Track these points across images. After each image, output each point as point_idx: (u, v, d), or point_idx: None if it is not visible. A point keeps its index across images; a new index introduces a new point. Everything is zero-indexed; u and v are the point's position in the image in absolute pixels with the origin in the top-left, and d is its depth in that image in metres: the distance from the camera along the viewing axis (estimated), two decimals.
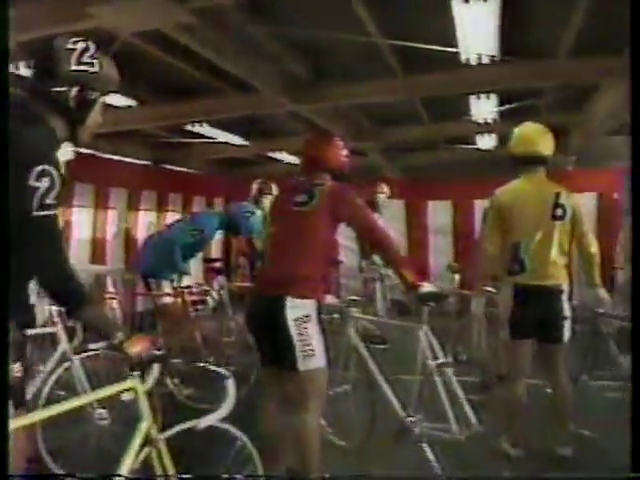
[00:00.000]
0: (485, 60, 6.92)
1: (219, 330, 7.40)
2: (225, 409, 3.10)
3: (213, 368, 3.44)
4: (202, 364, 3.39)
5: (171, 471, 3.04)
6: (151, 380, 3.01)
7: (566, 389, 4.94)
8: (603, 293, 4.98)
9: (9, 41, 2.80)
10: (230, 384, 3.15)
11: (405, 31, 7.03)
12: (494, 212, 4.92)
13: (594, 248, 4.93)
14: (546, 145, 4.97)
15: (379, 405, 4.83)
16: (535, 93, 9.71)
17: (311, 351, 3.95)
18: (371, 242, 4.38)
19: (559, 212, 4.84)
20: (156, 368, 3.08)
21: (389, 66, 8.00)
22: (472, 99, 9.28)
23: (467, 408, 4.57)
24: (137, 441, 2.95)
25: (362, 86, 8.73)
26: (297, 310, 3.94)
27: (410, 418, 4.64)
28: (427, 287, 4.31)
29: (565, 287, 4.87)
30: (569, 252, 4.91)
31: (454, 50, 6.94)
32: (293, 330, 3.91)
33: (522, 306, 4.81)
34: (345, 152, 4.47)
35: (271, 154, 14.39)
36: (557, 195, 4.86)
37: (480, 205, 8.90)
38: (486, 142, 12.64)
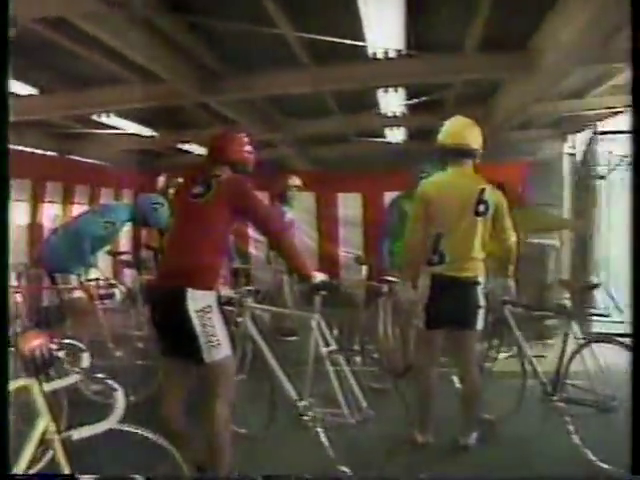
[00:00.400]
0: (392, 54, 7.01)
1: (130, 324, 7.32)
2: (111, 421, 3.07)
3: (103, 379, 3.36)
4: (97, 375, 3.32)
5: (66, 471, 2.96)
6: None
7: (475, 377, 5.13)
8: (510, 282, 5.26)
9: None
10: (119, 396, 3.13)
11: (313, 24, 7.05)
12: (420, 202, 5.03)
13: (513, 243, 5.12)
14: (475, 139, 5.14)
15: (279, 393, 4.91)
16: (442, 87, 9.90)
17: (216, 341, 3.99)
18: (265, 234, 4.41)
19: (482, 208, 5.00)
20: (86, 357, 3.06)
21: (298, 58, 8.01)
22: (380, 93, 9.38)
23: (358, 394, 4.66)
24: (34, 440, 2.88)
25: (271, 78, 8.72)
26: (198, 301, 3.95)
27: (303, 403, 4.72)
28: (319, 277, 4.42)
29: (481, 279, 5.06)
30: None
31: (362, 44, 7.00)
32: (196, 322, 3.93)
33: (439, 296, 4.97)
34: (249, 148, 4.51)
35: (180, 146, 14.22)
36: (482, 191, 5.02)
37: (390, 197, 9.06)
38: (395, 135, 12.81)
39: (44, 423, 2.92)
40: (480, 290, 5.06)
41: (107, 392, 4.92)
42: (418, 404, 5.09)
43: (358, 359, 5.51)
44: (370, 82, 8.76)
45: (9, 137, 2.51)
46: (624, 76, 10.23)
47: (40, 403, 2.92)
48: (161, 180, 8.09)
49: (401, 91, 9.28)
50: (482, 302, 5.08)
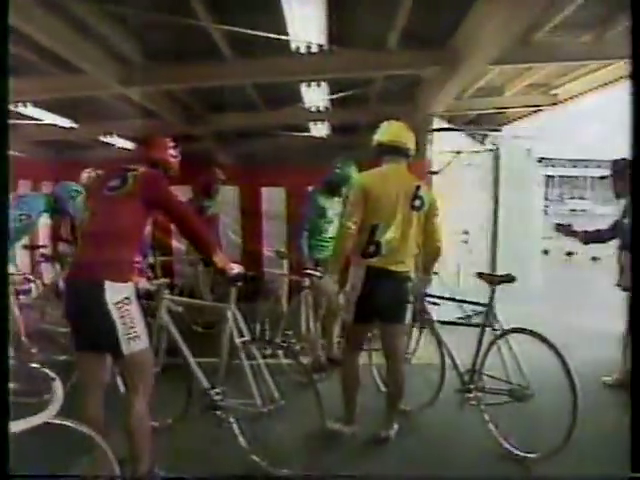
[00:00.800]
0: (314, 49, 7.04)
1: (50, 320, 7.16)
2: (52, 410, 3.05)
3: (40, 369, 3.35)
4: (33, 365, 3.31)
5: None
6: None
7: (402, 370, 5.19)
8: (431, 276, 5.36)
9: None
10: (57, 385, 3.11)
11: (235, 17, 7.02)
12: (358, 193, 5.01)
13: (441, 243, 5.20)
14: (410, 139, 5.19)
15: (194, 384, 4.91)
16: (365, 83, 9.99)
17: (134, 333, 3.97)
18: (181, 229, 4.36)
19: (417, 203, 5.05)
20: None
21: (220, 51, 7.96)
22: (304, 87, 9.41)
23: (271, 384, 4.67)
24: None
25: (192, 70, 8.65)
26: (117, 294, 3.93)
27: (215, 392, 4.74)
28: (236, 269, 4.42)
29: (412, 274, 5.14)
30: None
31: (284, 38, 7.01)
32: (115, 314, 3.91)
33: (372, 288, 4.96)
34: (174, 152, 4.51)
35: (103, 138, 13.98)
36: (417, 187, 5.07)
37: None
38: (319, 130, 12.86)
39: None
40: (411, 285, 5.15)
41: (24, 391, 4.86)
42: (343, 396, 5.14)
43: (280, 352, 5.53)
44: (293, 76, 8.78)
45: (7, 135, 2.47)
46: (541, 75, 10.52)
47: None
48: (84, 177, 7.92)
49: (324, 86, 9.31)
50: (411, 297, 5.21)
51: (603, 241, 7.00)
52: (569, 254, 22.95)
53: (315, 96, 9.83)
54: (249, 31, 7.02)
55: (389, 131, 5.28)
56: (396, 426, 5.18)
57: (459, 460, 4.88)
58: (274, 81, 9.16)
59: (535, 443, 4.86)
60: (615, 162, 7.02)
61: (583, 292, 7.09)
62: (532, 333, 5.12)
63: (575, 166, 46.56)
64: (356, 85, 9.93)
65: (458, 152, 10.63)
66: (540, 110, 13.39)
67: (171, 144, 4.52)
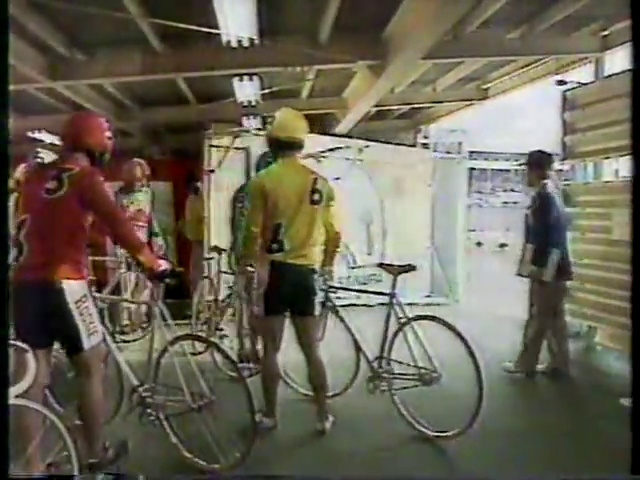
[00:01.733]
0: (246, 43, 6.98)
1: None
2: (26, 382, 3.22)
3: (13, 343, 3.53)
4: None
5: None
6: None
7: (319, 360, 5.28)
8: (333, 268, 5.48)
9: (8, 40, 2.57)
10: (29, 357, 3.32)
11: (165, 10, 6.92)
12: (257, 194, 5.08)
13: (339, 234, 5.33)
14: (303, 131, 5.25)
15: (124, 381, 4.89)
16: (297, 76, 9.96)
17: (94, 328, 4.14)
18: (111, 231, 4.41)
19: (316, 197, 5.14)
20: None
21: (149, 45, 7.84)
22: (236, 81, 9.33)
23: (201, 380, 4.65)
24: None
25: (121, 63, 8.48)
26: (75, 293, 4.06)
27: (143, 389, 4.69)
28: (163, 266, 4.41)
29: (317, 266, 5.21)
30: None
31: (215, 32, 6.93)
32: (76, 312, 4.03)
33: (279, 283, 5.05)
34: (108, 133, 4.42)
35: (30, 134, 13.63)
36: (314, 181, 5.15)
37: None
38: (252, 123, 12.77)
39: None
40: (316, 277, 5.25)
41: None
42: (263, 389, 5.16)
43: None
44: (224, 70, 8.71)
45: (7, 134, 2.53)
46: (472, 70, 10.66)
47: None
48: (19, 170, 7.78)
49: (256, 80, 9.25)
50: (318, 289, 5.27)
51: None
52: (502, 246, 23.47)
53: (247, 90, 9.76)
54: (179, 24, 6.92)
55: (284, 125, 5.30)
56: (331, 418, 5.23)
57: (373, 443, 5.07)
58: (205, 75, 9.06)
59: (446, 423, 5.08)
60: (531, 154, 7.24)
61: (509, 281, 7.30)
62: (436, 319, 5.40)
63: (508, 159, 47.38)
64: (288, 79, 9.90)
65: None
66: (472, 104, 13.59)
67: (105, 124, 4.46)
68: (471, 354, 5.11)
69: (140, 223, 8.53)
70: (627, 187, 5.73)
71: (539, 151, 7.21)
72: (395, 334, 5.49)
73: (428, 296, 12.16)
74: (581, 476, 4.36)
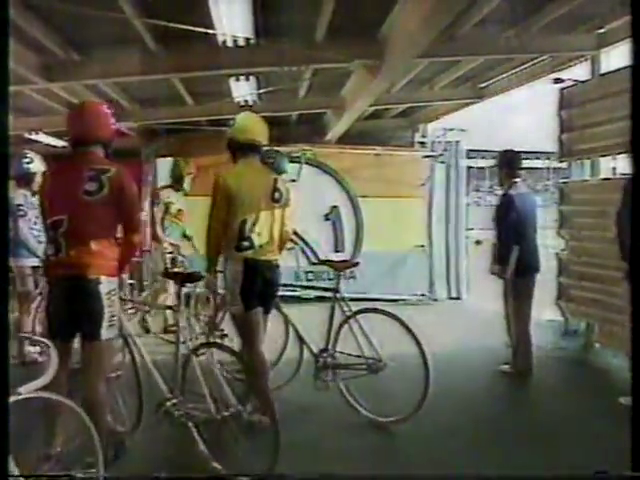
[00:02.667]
0: (241, 42, 6.97)
1: None
2: (48, 376, 3.35)
3: (36, 338, 4.10)
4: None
5: None
6: None
7: (263, 354, 5.42)
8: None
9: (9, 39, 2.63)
10: (52, 352, 3.49)
11: (161, 10, 6.90)
12: (221, 193, 5.27)
13: (289, 233, 5.65)
14: (264, 134, 5.57)
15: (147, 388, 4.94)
16: (293, 76, 9.95)
17: (114, 321, 4.37)
18: (125, 233, 4.55)
19: (277, 195, 5.45)
20: None
21: (145, 45, 7.82)
22: (232, 81, 9.31)
23: (225, 388, 4.67)
24: None
25: (117, 64, 8.46)
26: (108, 286, 4.33)
27: (171, 398, 4.72)
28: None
29: (280, 261, 5.58)
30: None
31: (211, 31, 6.91)
32: (106, 303, 4.28)
33: (252, 279, 5.27)
34: (114, 121, 4.59)
35: (27, 135, 13.59)
36: (275, 180, 5.51)
37: None
38: None
39: None
40: (280, 272, 5.55)
41: None
42: (256, 386, 5.15)
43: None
44: (220, 70, 8.69)
45: (7, 134, 2.61)
46: (468, 69, 10.64)
47: None
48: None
49: (252, 79, 9.24)
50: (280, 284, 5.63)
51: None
52: None
53: (244, 90, 9.75)
54: (175, 25, 6.90)
55: (245, 128, 5.55)
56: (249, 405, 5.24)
57: (322, 431, 5.40)
58: (201, 75, 9.04)
59: (392, 409, 5.57)
60: (504, 153, 7.41)
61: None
62: (382, 312, 5.83)
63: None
64: (284, 78, 9.89)
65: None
66: (469, 104, 13.58)
67: (109, 111, 4.63)
68: (417, 343, 5.50)
69: (180, 223, 8.81)
70: (624, 184, 5.76)
71: (509, 151, 7.48)
72: (340, 327, 5.87)
73: (423, 295, 12.27)
74: (581, 476, 4.35)
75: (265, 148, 5.72)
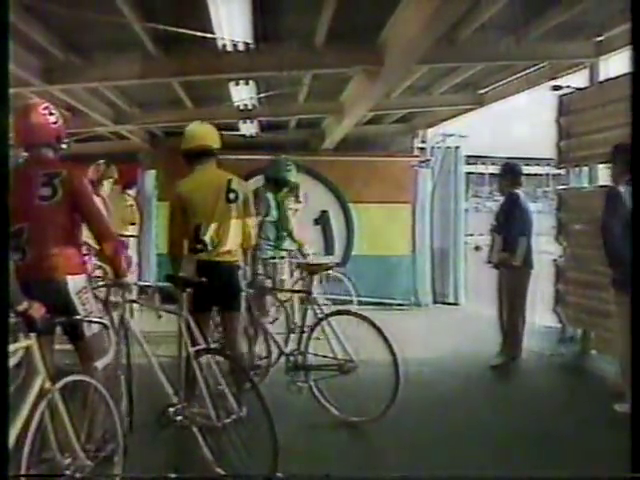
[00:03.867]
0: (241, 47, 6.98)
1: None
2: (108, 357, 3.98)
3: (92, 319, 4.26)
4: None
5: (66, 421, 3.58)
6: None
7: (241, 352, 5.66)
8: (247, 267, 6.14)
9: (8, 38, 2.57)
10: (111, 334, 4.06)
11: (161, 15, 6.92)
12: (176, 201, 5.57)
13: (251, 235, 5.79)
14: (214, 140, 5.78)
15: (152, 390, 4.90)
16: (293, 80, 9.96)
17: (92, 317, 4.41)
18: (93, 234, 4.62)
19: (232, 196, 5.61)
20: None
21: (145, 49, 7.83)
22: (232, 85, 9.32)
23: (228, 395, 4.66)
24: (32, 394, 3.42)
25: (117, 68, 8.47)
26: (77, 286, 4.39)
27: (174, 402, 4.72)
28: (127, 279, 4.77)
29: (241, 263, 5.74)
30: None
31: (211, 36, 6.93)
32: (78, 303, 4.36)
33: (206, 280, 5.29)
34: (52, 118, 4.54)
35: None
36: (229, 181, 5.65)
37: None
38: (248, 128, 12.76)
39: (42, 377, 3.50)
40: (241, 274, 5.70)
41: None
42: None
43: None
44: (220, 74, 8.71)
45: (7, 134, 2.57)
46: (468, 75, 10.66)
47: (38, 360, 3.53)
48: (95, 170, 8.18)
49: (252, 84, 9.25)
50: (243, 285, 5.74)
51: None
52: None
53: (243, 94, 9.76)
54: (175, 29, 6.92)
55: (193, 136, 5.81)
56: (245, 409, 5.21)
57: (293, 430, 5.30)
58: (201, 79, 9.06)
59: (364, 409, 5.69)
60: (503, 166, 8.09)
61: None
62: (354, 314, 6.16)
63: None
64: (284, 83, 9.91)
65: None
66: (469, 110, 13.58)
67: (44, 110, 4.57)
68: (389, 345, 5.66)
69: None
70: (607, 193, 5.86)
71: (510, 164, 8.19)
72: (312, 328, 6.05)
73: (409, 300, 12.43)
74: (581, 476, 4.38)
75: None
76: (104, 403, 4.03)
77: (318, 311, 6.13)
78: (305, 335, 6.10)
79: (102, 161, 8.80)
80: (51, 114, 4.55)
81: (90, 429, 4.07)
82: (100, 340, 4.56)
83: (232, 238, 5.54)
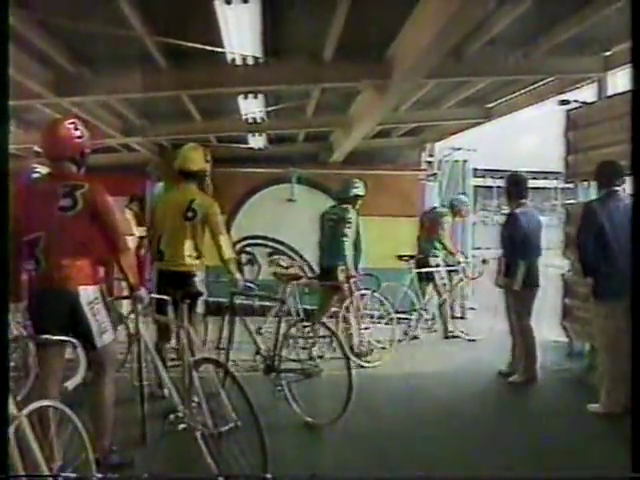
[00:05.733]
0: (250, 61, 7.01)
1: None
2: (82, 371, 3.64)
3: (63, 338, 4.04)
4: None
5: (35, 448, 3.38)
6: None
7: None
8: (238, 276, 6.48)
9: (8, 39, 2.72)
10: (80, 353, 3.73)
11: (170, 28, 6.95)
12: (150, 214, 6.51)
13: (224, 244, 6.30)
14: (196, 163, 6.55)
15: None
16: (302, 94, 10.00)
17: (105, 327, 4.56)
18: (110, 246, 4.70)
19: (190, 214, 6.29)
20: None
21: (155, 62, 7.87)
22: (240, 99, 9.36)
23: (226, 403, 4.69)
24: None
25: (126, 80, 8.50)
26: (89, 297, 4.49)
27: (177, 411, 4.82)
28: (140, 291, 4.91)
29: (197, 271, 6.35)
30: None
31: (220, 50, 6.96)
32: (89, 314, 4.46)
33: (160, 286, 6.05)
34: (77, 133, 4.68)
35: (37, 148, 13.64)
36: (191, 201, 6.32)
37: None
38: (257, 141, 12.80)
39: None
40: (198, 280, 6.29)
41: None
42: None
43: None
44: (229, 88, 8.74)
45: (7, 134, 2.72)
46: (476, 89, 10.67)
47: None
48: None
49: (261, 97, 9.29)
50: (202, 291, 6.24)
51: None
52: None
53: (252, 107, 9.79)
54: (184, 42, 6.96)
55: (181, 158, 6.62)
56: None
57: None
58: (210, 92, 9.10)
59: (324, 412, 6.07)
60: (511, 176, 7.94)
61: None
62: (322, 324, 7.06)
63: None
64: (293, 97, 9.95)
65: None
66: (477, 123, 13.60)
67: (70, 126, 4.66)
68: (343, 353, 6.29)
69: None
70: (582, 210, 6.00)
71: (515, 175, 8.00)
72: (285, 335, 6.53)
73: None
74: (581, 476, 4.44)
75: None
76: (72, 426, 3.84)
77: (290, 319, 7.02)
78: (280, 339, 6.51)
79: None
80: (76, 129, 4.67)
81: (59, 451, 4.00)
82: (112, 351, 4.71)
83: (186, 251, 6.24)
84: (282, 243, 13.41)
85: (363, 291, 9.34)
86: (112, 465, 4.54)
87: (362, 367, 8.19)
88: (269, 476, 4.43)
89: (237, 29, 6.28)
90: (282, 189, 13.21)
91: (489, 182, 44.82)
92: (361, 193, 9.33)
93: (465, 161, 13.85)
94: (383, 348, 9.11)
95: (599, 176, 6.71)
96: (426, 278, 10.94)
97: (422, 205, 13.16)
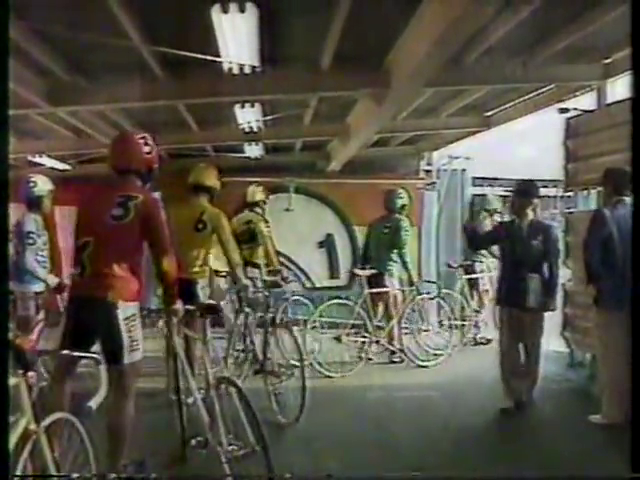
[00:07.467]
0: (247, 70, 6.97)
1: None
2: (104, 389, 3.52)
3: (86, 354, 3.93)
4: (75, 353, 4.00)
5: (50, 461, 3.35)
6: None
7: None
8: (246, 282, 7.23)
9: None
10: (102, 370, 3.65)
11: (167, 37, 6.93)
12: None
13: (232, 252, 6.95)
14: (209, 179, 7.23)
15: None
16: (300, 103, 9.97)
17: (136, 346, 4.51)
18: (155, 259, 4.65)
19: (200, 226, 6.87)
20: None
21: (151, 71, 7.82)
22: (237, 108, 9.31)
23: (247, 427, 4.62)
24: (15, 435, 3.16)
25: (122, 90, 8.46)
26: (127, 312, 4.45)
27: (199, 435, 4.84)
28: (177, 305, 4.84)
29: (199, 279, 6.85)
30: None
31: (217, 59, 6.91)
32: (124, 328, 4.41)
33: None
34: (146, 149, 4.73)
35: (31, 157, 13.57)
36: (201, 213, 6.92)
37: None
38: (254, 150, 12.76)
39: (27, 417, 3.25)
40: (199, 287, 6.77)
41: None
42: None
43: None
44: (226, 97, 8.70)
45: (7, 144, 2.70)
46: (475, 97, 10.64)
47: (24, 399, 3.25)
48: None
49: (258, 106, 9.24)
50: (201, 298, 6.58)
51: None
52: None
53: (249, 117, 9.75)
54: (181, 52, 6.92)
55: (196, 173, 7.24)
56: None
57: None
58: (207, 102, 9.06)
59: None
60: (517, 184, 7.54)
61: None
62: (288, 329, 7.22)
63: (512, 185, 47.26)
64: (290, 106, 9.91)
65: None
66: (475, 132, 13.57)
67: (141, 141, 4.77)
68: (300, 358, 6.68)
69: None
70: (592, 216, 5.98)
71: (525, 181, 7.52)
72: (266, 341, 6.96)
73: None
74: (581, 476, 4.50)
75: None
76: (80, 440, 3.87)
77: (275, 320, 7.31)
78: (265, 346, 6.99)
79: None
80: (147, 144, 4.65)
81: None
82: (137, 370, 4.61)
83: (195, 260, 6.79)
84: (279, 253, 13.36)
85: (425, 295, 9.82)
86: (127, 476, 4.48)
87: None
88: (288, 475, 4.50)
89: (234, 38, 6.23)
90: (279, 199, 13.14)
91: (488, 191, 44.84)
92: (407, 202, 10.26)
93: (463, 170, 13.80)
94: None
95: (606, 183, 6.53)
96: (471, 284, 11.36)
97: (421, 214, 13.11)
